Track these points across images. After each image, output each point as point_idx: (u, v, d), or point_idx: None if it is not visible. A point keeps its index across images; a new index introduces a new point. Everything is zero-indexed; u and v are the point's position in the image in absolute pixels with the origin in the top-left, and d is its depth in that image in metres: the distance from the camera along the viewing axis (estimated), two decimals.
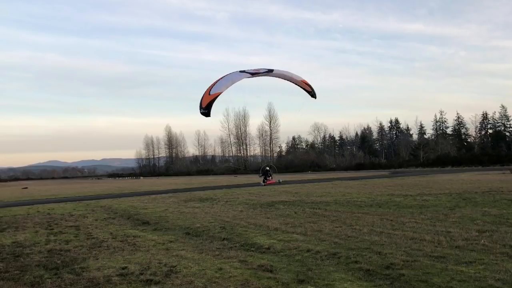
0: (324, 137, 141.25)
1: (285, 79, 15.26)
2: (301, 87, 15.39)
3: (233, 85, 14.41)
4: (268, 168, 42.75)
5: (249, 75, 14.47)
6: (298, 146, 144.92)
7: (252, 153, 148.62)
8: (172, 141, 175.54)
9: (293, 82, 15.36)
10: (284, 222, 14.89)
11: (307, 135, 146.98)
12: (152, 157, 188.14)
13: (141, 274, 8.58)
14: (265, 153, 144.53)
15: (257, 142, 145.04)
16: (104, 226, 16.60)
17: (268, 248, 10.47)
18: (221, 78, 14.45)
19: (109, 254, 10.95)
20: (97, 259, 10.38)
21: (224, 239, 12.18)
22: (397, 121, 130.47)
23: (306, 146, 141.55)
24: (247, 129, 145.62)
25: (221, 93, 13.83)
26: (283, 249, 10.26)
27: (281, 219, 15.60)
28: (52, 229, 16.43)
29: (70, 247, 12.18)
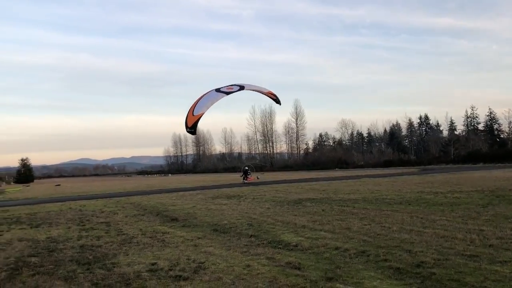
0: (352, 134, 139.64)
1: (255, 91, 17.05)
2: (268, 96, 17.28)
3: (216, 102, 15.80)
4: (247, 168, 50.80)
5: (225, 94, 15.74)
6: (325, 143, 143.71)
7: (278, 150, 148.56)
8: (199, 139, 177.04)
9: (262, 93, 17.16)
10: (312, 219, 14.80)
11: (334, 132, 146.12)
12: (180, 154, 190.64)
13: (170, 270, 8.68)
14: (291, 150, 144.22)
15: (283, 139, 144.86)
16: (134, 223, 16.89)
17: (296, 246, 10.42)
18: (201, 98, 15.69)
19: (139, 250, 11.13)
20: (127, 255, 10.56)
21: (251, 236, 12.20)
22: (426, 117, 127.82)
23: (333, 143, 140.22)
24: (273, 126, 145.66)
25: (203, 113, 15.17)
26: (311, 247, 10.19)
27: (309, 217, 15.52)
28: (84, 225, 16.82)
29: (101, 243, 12.43)
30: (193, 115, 15.15)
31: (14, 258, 10.78)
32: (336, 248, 9.84)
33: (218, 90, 15.96)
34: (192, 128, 15.12)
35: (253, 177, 49.57)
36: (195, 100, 15.71)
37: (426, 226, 12.18)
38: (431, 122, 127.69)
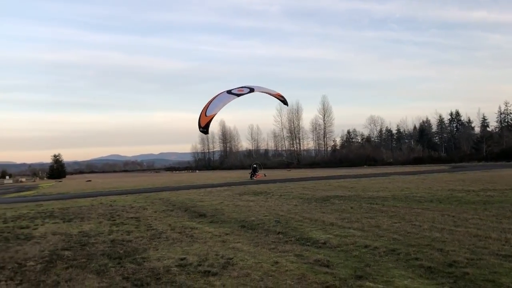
0: (381, 130, 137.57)
1: (264, 93, 17.72)
2: (276, 97, 17.92)
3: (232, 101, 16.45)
4: (255, 165, 53.50)
5: (236, 96, 16.37)
6: (353, 140, 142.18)
7: (305, 147, 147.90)
8: (226, 136, 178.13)
9: (271, 95, 17.80)
10: (340, 217, 14.67)
11: (363, 129, 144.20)
12: (207, 151, 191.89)
13: (199, 265, 8.76)
14: (318, 147, 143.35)
15: (311, 136, 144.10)
16: (163, 218, 17.13)
17: (324, 243, 10.35)
18: (213, 99, 16.42)
19: (168, 245, 11.28)
20: (157, 249, 10.72)
21: (279, 233, 12.19)
22: (457, 114, 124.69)
23: (362, 140, 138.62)
24: (300, 123, 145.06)
25: (215, 114, 15.93)
26: (340, 244, 10.11)
27: (337, 214, 15.39)
28: (114, 220, 17.17)
29: (132, 238, 12.66)
30: (205, 115, 15.81)
31: (48, 251, 11.09)
32: (366, 246, 9.73)
33: (229, 92, 16.52)
34: (205, 128, 15.75)
35: (260, 174, 52.04)
36: (207, 101, 16.40)
37: (458, 225, 11.90)
38: (462, 118, 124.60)
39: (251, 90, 16.92)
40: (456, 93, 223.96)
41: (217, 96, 16.63)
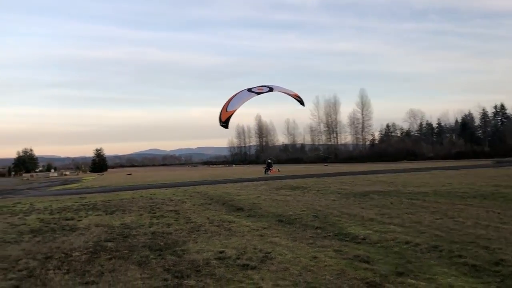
0: (421, 124, 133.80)
1: (282, 92, 18.41)
2: (294, 98, 18.54)
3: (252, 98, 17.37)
4: (270, 161, 54.47)
5: (255, 94, 17.15)
6: (393, 134, 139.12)
7: (342, 142, 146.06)
8: (262, 130, 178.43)
9: (289, 95, 18.45)
10: (380, 212, 14.43)
11: (402, 122, 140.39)
12: (243, 145, 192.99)
13: (238, 258, 8.84)
14: (356, 141, 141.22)
15: (348, 130, 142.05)
16: (201, 211, 17.37)
17: (364, 239, 10.22)
18: (234, 96, 17.29)
19: (207, 238, 11.43)
20: (196, 242, 10.89)
21: (317, 227, 12.12)
22: (502, 107, 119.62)
23: (401, 134, 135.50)
24: (337, 117, 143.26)
25: (235, 110, 16.73)
26: (380, 240, 9.95)
27: (377, 210, 15.14)
28: (155, 212, 17.55)
29: (171, 230, 12.91)
30: (226, 111, 16.68)
31: (92, 243, 11.47)
32: (407, 242, 9.53)
33: (249, 90, 17.32)
34: (225, 122, 16.64)
35: (274, 169, 52.71)
36: (228, 98, 17.35)
37: (504, 222, 11.46)
38: (507, 111, 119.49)
39: (271, 89, 17.72)
40: (500, 85, 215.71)
41: (238, 93, 17.48)
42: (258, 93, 17.16)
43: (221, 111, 16.75)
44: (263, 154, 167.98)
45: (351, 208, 15.96)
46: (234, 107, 16.70)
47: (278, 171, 52.59)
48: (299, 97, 18.51)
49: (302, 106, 19.07)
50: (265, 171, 52.08)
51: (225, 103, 17.03)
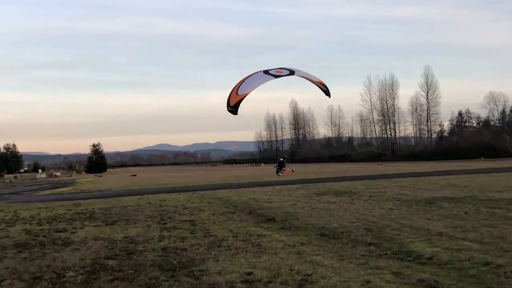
0: (503, 111, 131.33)
1: (304, 78, 18.68)
2: (318, 86, 18.83)
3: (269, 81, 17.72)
4: (282, 159, 56.64)
5: (273, 77, 17.60)
6: (467, 124, 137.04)
7: (402, 134, 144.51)
8: (298, 120, 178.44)
9: (312, 82, 18.74)
10: (451, 224, 14.26)
11: (479, 109, 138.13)
12: (274, 139, 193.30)
13: (270, 282, 8.86)
14: (420, 133, 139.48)
15: (409, 119, 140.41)
16: (223, 222, 17.52)
17: (430, 258, 10.11)
18: (247, 77, 17.68)
19: (230, 255, 11.51)
20: (217, 261, 10.98)
21: (370, 244, 12.06)
22: None
23: (478, 124, 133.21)
24: (395, 103, 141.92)
25: (248, 93, 17.07)
26: (451, 260, 9.82)
27: (447, 221, 14.97)
28: (165, 223, 17.81)
29: (186, 246, 13.06)
30: (237, 94, 17.09)
31: (90, 260, 11.72)
32: (486, 264, 9.39)
33: (266, 72, 17.72)
34: (234, 107, 17.09)
35: (288, 169, 54.40)
36: (240, 79, 17.69)
37: None
38: None
39: (291, 72, 18.17)
40: None
41: (251, 74, 17.94)
42: (276, 76, 17.60)
43: (230, 93, 17.21)
44: (299, 150, 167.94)
45: (414, 219, 15.83)
46: (246, 90, 17.08)
47: (292, 171, 54.07)
48: (325, 86, 18.80)
49: (328, 97, 19.54)
50: (277, 172, 53.62)
51: (236, 85, 17.46)
